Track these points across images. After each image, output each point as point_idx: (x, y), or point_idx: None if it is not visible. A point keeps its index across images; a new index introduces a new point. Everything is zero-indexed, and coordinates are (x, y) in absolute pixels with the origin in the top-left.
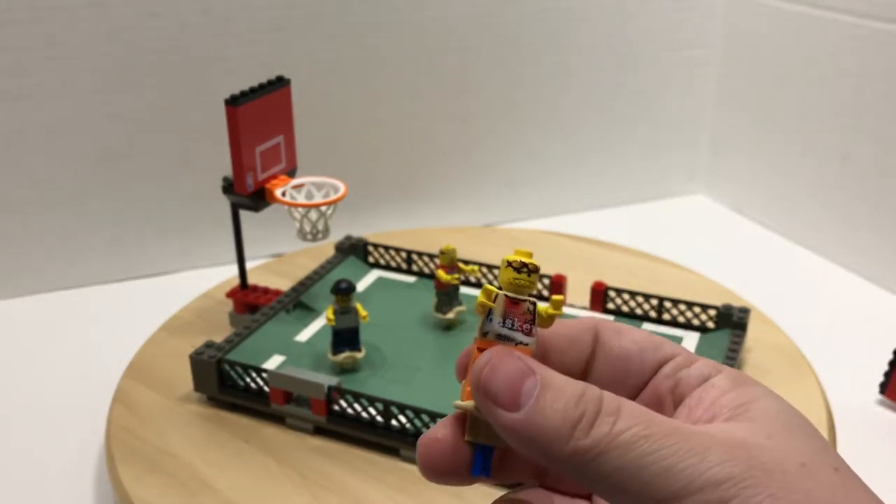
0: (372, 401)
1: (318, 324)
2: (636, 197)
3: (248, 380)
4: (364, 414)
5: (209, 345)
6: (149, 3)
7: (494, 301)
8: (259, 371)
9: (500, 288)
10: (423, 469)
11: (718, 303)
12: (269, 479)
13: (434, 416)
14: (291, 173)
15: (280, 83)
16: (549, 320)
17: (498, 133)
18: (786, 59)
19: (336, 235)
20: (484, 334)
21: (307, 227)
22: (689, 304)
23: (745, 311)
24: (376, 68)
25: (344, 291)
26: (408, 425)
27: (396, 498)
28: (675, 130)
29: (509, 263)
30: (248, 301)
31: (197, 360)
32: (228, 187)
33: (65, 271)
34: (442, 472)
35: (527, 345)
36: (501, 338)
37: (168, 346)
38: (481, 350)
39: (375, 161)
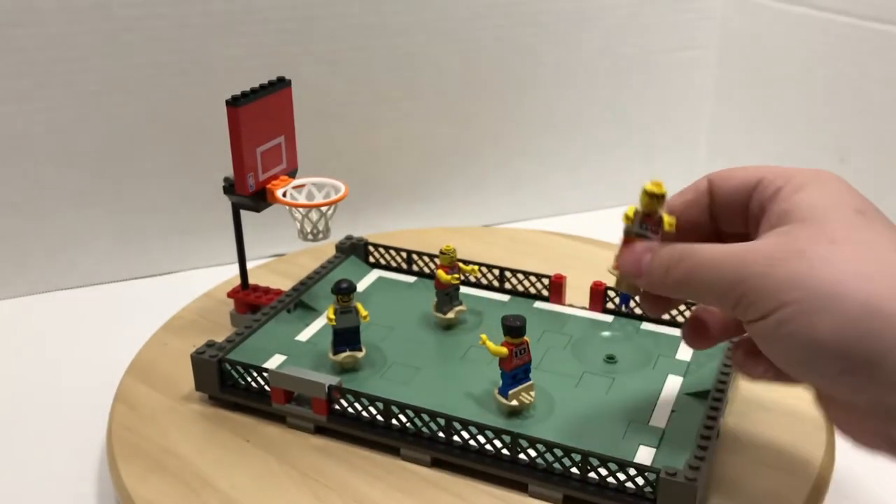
0: (372, 400)
1: (318, 323)
2: (634, 198)
3: (248, 379)
4: (364, 413)
5: (210, 344)
6: (151, 4)
7: (635, 215)
8: (260, 370)
9: (637, 210)
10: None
11: None
12: (270, 477)
13: (434, 416)
14: (292, 174)
15: (281, 84)
16: (669, 229)
17: (498, 134)
18: (784, 60)
19: (337, 235)
20: (628, 234)
21: (308, 228)
22: (689, 305)
23: None
24: (377, 69)
25: (345, 291)
26: (408, 425)
27: (398, 497)
28: (673, 131)
29: (645, 191)
30: (249, 301)
31: (198, 360)
32: (229, 188)
33: (67, 271)
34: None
35: (652, 239)
36: (639, 235)
37: (170, 345)
38: (626, 244)
39: (376, 161)
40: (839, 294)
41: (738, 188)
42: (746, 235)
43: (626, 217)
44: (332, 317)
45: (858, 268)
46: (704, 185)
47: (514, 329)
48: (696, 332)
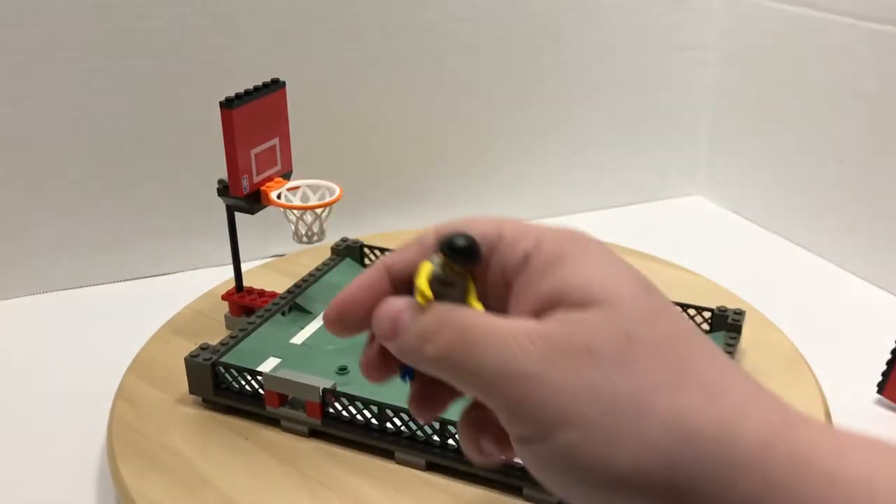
0: (367, 404)
1: (313, 326)
2: (634, 198)
3: (242, 382)
4: (359, 417)
5: (204, 347)
6: (149, 5)
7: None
8: (254, 374)
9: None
10: (332, 317)
11: (716, 304)
12: (268, 476)
13: None
14: (287, 175)
15: (275, 85)
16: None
17: (497, 134)
18: (784, 60)
19: (335, 236)
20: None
21: (303, 230)
22: (684, 307)
23: (739, 313)
24: (374, 69)
25: (465, 254)
26: (403, 428)
27: (395, 497)
28: (673, 131)
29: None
30: (244, 303)
31: (192, 363)
32: (224, 189)
33: (67, 271)
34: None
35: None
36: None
37: (171, 344)
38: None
39: (375, 162)
40: (643, 413)
41: (483, 241)
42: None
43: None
44: (427, 290)
45: (664, 376)
46: (432, 239)
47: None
48: (423, 403)
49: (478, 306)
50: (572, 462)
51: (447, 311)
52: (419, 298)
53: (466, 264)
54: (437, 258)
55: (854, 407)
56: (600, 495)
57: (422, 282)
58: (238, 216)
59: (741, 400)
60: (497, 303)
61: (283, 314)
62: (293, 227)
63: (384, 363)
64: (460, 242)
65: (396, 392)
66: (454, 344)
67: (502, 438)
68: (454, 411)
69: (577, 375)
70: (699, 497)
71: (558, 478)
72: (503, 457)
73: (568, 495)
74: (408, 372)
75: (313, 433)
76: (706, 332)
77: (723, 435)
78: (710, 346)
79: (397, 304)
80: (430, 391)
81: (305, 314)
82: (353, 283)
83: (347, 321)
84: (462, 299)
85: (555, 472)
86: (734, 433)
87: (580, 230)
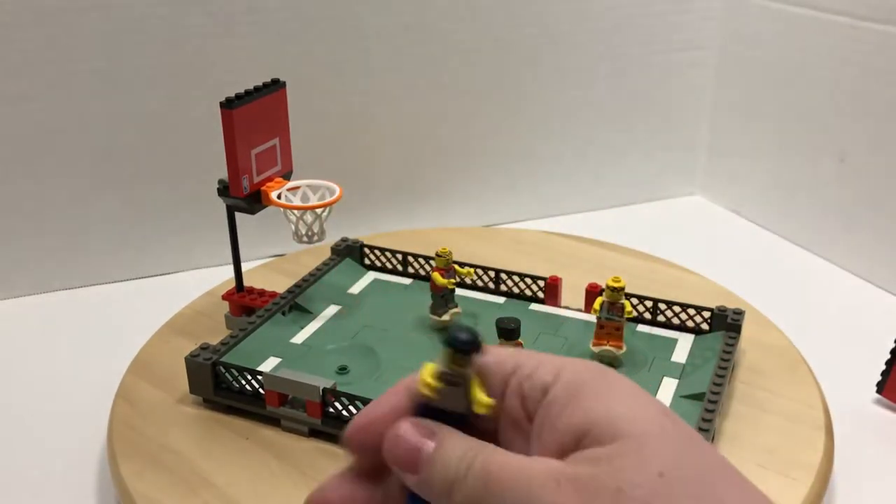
0: (367, 403)
1: (313, 326)
2: (634, 197)
3: (243, 382)
4: None
5: (204, 347)
6: (149, 5)
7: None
8: (254, 373)
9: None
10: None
11: (715, 303)
12: (268, 475)
13: None
14: (287, 175)
15: (275, 86)
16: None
17: (496, 134)
18: (783, 60)
19: (335, 236)
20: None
21: (303, 230)
22: (684, 306)
23: (739, 313)
24: (375, 70)
25: (466, 347)
26: None
27: None
28: (672, 131)
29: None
30: (244, 303)
31: (192, 363)
32: (224, 189)
33: (67, 271)
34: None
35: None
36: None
37: (171, 343)
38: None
39: (376, 162)
40: None
41: (496, 373)
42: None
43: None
44: (432, 385)
45: None
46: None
47: (507, 331)
48: None
49: (482, 397)
50: None
51: (472, 451)
52: (423, 390)
53: (469, 354)
54: (441, 357)
55: (853, 407)
56: None
57: (426, 374)
58: (238, 216)
59: None
60: (516, 435)
61: (283, 314)
62: (293, 227)
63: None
64: (463, 335)
65: None
66: (480, 491)
67: None
68: None
69: None
70: None
71: None
72: None
73: None
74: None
75: (313, 433)
76: (705, 332)
77: None
78: (740, 478)
79: (412, 432)
80: None
81: (306, 314)
82: (373, 404)
83: (369, 444)
84: (467, 397)
85: None
86: None
87: (595, 364)
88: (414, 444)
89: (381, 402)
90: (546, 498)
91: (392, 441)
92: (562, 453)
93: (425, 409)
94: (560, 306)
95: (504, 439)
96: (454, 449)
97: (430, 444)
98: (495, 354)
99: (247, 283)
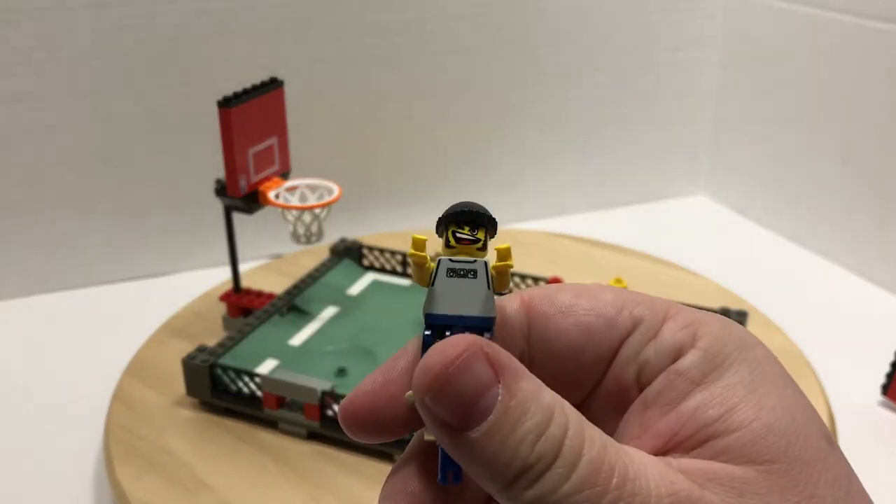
0: None
1: (311, 327)
2: (637, 198)
3: (240, 384)
4: None
5: (202, 349)
6: (147, 4)
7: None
8: (252, 375)
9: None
10: (347, 422)
11: (719, 304)
12: (266, 478)
13: None
14: (285, 175)
15: (273, 84)
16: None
17: (498, 134)
18: (787, 59)
19: (333, 237)
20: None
21: (301, 230)
22: None
23: (742, 314)
24: (374, 69)
25: (470, 219)
26: None
27: None
28: (676, 131)
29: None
30: (242, 305)
31: (189, 365)
32: (221, 189)
33: (65, 272)
34: (367, 425)
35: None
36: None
37: (168, 345)
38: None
39: (374, 162)
40: None
41: (593, 324)
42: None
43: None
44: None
45: None
46: (515, 307)
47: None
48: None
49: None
50: None
51: (561, 402)
52: (411, 252)
53: (477, 229)
54: (444, 248)
55: (858, 409)
56: None
57: (419, 240)
58: (236, 216)
59: None
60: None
61: (281, 315)
62: (291, 227)
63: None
64: (466, 207)
65: None
66: (569, 474)
67: None
68: None
69: None
70: None
71: None
72: None
73: None
74: (455, 470)
75: (312, 435)
76: None
77: None
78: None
79: (499, 356)
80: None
81: (304, 315)
82: (383, 367)
83: (374, 423)
84: (487, 286)
85: None
86: None
87: (742, 329)
88: (480, 372)
89: (389, 366)
90: None
91: (434, 360)
92: (673, 445)
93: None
94: None
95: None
96: (545, 396)
97: (496, 384)
98: (597, 297)
99: (244, 284)
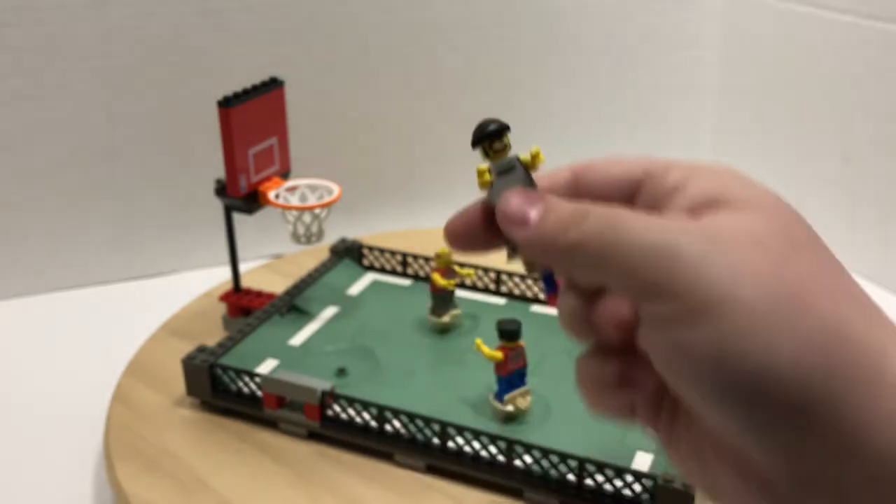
0: (366, 406)
1: (312, 327)
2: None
3: (240, 384)
4: (358, 419)
5: (202, 349)
6: (147, 4)
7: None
8: (252, 375)
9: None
10: (449, 238)
11: None
12: (265, 478)
13: (429, 421)
14: (285, 175)
15: (273, 84)
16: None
17: None
18: (787, 59)
19: (333, 237)
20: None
21: (301, 230)
22: None
23: None
24: (374, 68)
25: (496, 133)
26: (402, 430)
27: (394, 500)
28: (675, 131)
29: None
30: (242, 304)
31: (189, 365)
32: (221, 189)
33: (65, 272)
34: (462, 238)
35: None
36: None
37: (168, 345)
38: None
39: (374, 162)
40: (806, 309)
41: (616, 183)
42: None
43: (482, 176)
44: (488, 178)
45: (824, 281)
46: (565, 177)
47: (508, 333)
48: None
49: (537, 158)
50: (720, 349)
51: (592, 204)
52: (483, 186)
53: (502, 135)
54: (483, 157)
55: None
56: (738, 396)
57: (480, 171)
58: (236, 216)
59: (889, 322)
60: None
61: (281, 315)
62: (291, 227)
63: (485, 235)
64: (490, 125)
65: (396, 393)
66: (604, 226)
67: (623, 324)
68: (450, 412)
69: (740, 259)
70: (843, 410)
71: (694, 369)
72: (619, 332)
73: (698, 394)
74: (548, 282)
75: (312, 435)
76: None
77: (879, 347)
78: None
79: (524, 194)
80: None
81: (304, 315)
82: (466, 208)
83: (468, 236)
84: (527, 173)
85: (693, 363)
86: (886, 349)
87: (732, 168)
88: (525, 200)
89: (469, 206)
90: (677, 232)
91: (504, 203)
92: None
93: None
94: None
95: None
96: (564, 203)
97: (540, 204)
98: (622, 164)
99: (245, 284)
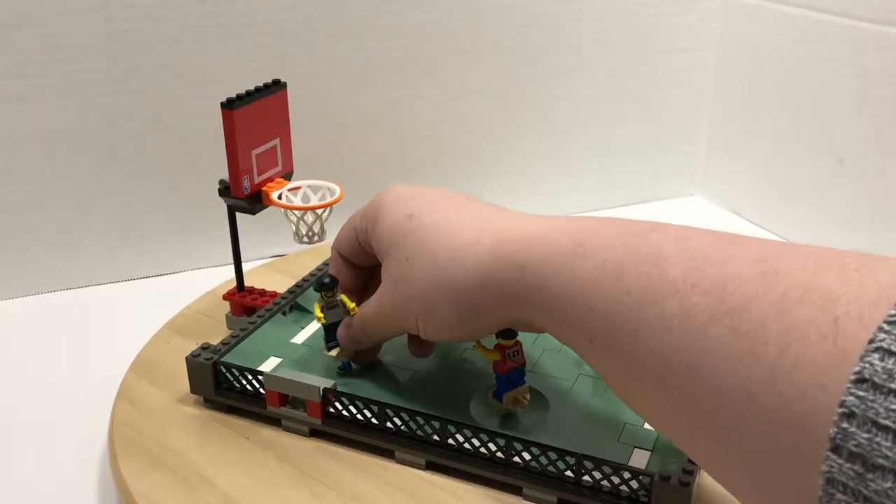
0: (367, 403)
1: (314, 326)
2: (633, 198)
3: (243, 382)
4: (359, 416)
5: (205, 347)
6: (150, 6)
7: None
8: (255, 373)
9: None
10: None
11: None
12: (268, 475)
13: (429, 419)
14: (288, 176)
15: (276, 86)
16: (354, 311)
17: (496, 134)
18: (783, 61)
19: (333, 237)
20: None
21: (303, 230)
22: None
23: None
24: (375, 69)
25: (327, 287)
26: (403, 428)
27: (395, 496)
28: (672, 132)
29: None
30: (245, 303)
31: (193, 363)
32: (225, 190)
33: (69, 272)
34: None
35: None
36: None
37: (173, 343)
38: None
39: (376, 162)
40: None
41: (352, 243)
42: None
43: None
44: (320, 315)
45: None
46: (341, 262)
47: (505, 331)
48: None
49: (351, 304)
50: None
51: (348, 319)
52: (320, 321)
53: (333, 287)
54: (322, 298)
55: None
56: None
57: (316, 311)
58: (239, 216)
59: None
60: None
61: (283, 314)
62: (294, 227)
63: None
64: (325, 279)
65: (396, 392)
66: (358, 324)
67: None
68: (449, 410)
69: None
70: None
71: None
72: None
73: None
74: (346, 366)
75: (314, 432)
76: None
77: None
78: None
79: (342, 330)
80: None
81: (306, 314)
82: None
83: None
84: (344, 310)
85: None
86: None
87: (384, 192)
88: (343, 334)
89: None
90: (367, 311)
91: (339, 334)
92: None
93: (330, 325)
94: None
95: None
96: (345, 323)
97: (343, 329)
98: (346, 233)
99: (247, 283)
